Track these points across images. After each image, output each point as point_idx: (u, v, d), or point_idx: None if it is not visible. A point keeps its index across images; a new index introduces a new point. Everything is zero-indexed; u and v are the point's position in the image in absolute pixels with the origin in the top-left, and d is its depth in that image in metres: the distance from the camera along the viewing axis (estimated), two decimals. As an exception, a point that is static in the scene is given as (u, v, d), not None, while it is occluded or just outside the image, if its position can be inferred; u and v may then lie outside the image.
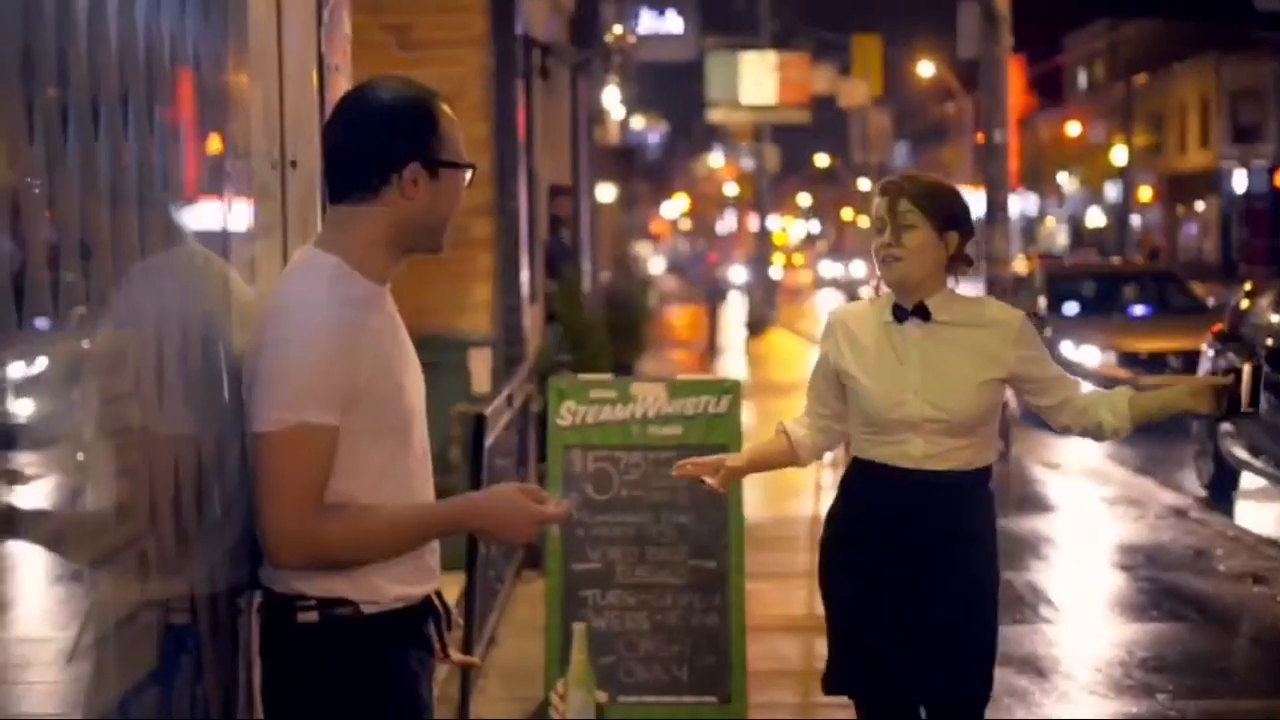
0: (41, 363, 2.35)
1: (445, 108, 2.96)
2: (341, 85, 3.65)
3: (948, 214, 4.09)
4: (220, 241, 3.08)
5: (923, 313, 4.10)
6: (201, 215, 2.99)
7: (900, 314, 4.12)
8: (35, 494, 2.36)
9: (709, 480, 4.28)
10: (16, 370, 2.30)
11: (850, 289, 26.71)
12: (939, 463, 4.06)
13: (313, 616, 2.86)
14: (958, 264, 4.14)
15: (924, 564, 4.08)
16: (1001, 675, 6.94)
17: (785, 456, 4.42)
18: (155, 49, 2.62)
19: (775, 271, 46.17)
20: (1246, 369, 3.85)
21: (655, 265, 64.35)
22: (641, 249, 52.30)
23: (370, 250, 2.90)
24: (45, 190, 2.19)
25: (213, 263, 2.91)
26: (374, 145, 2.88)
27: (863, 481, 4.18)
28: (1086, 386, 4.29)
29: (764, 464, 4.54)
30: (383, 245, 2.91)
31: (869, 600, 4.13)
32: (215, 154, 3.03)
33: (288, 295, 2.86)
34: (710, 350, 27.26)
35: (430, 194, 2.91)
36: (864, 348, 4.17)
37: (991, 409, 4.11)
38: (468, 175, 2.99)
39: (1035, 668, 7.13)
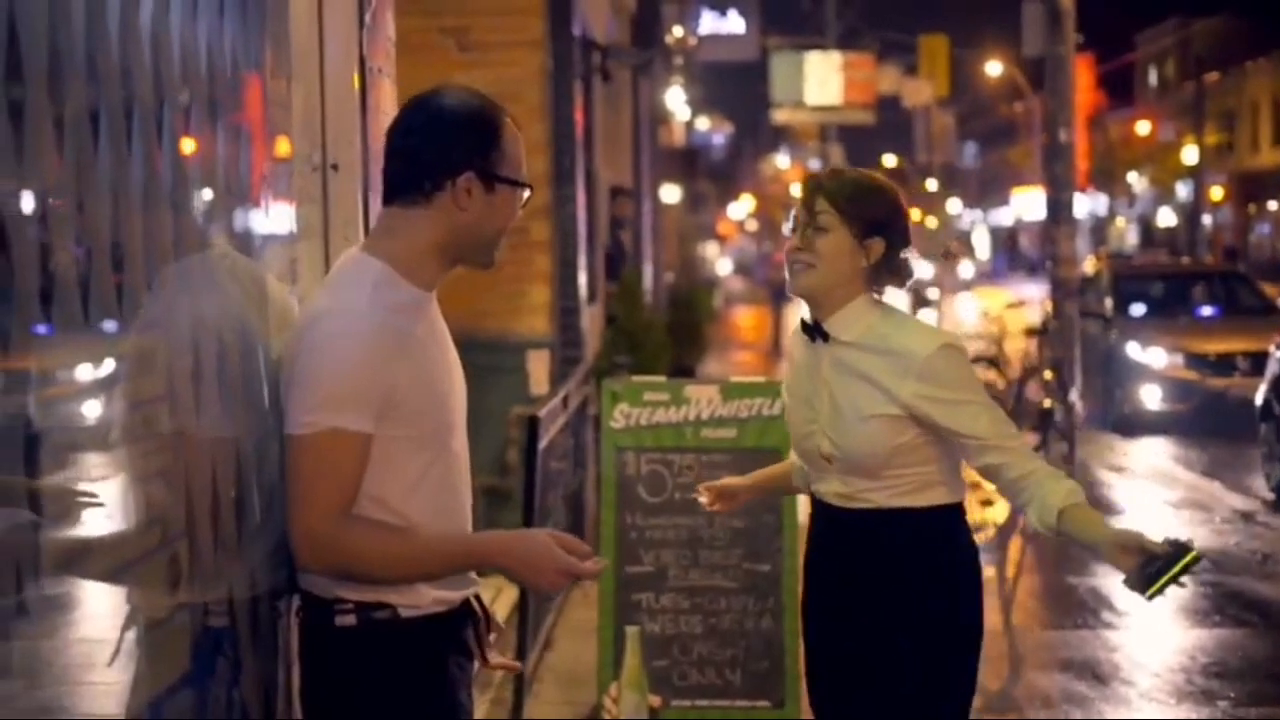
0: (109, 365, 2.37)
1: (511, 124, 2.93)
2: (385, 88, 3.65)
3: (870, 218, 3.53)
4: (263, 243, 3.10)
5: (821, 332, 3.57)
6: (246, 218, 3.01)
7: (807, 330, 3.62)
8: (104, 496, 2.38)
9: (703, 500, 3.97)
10: (85, 372, 2.33)
11: (918, 290, 26.52)
12: (855, 502, 3.56)
13: (351, 620, 2.86)
14: (881, 276, 3.56)
15: (843, 606, 3.60)
16: (1061, 680, 6.92)
17: (787, 479, 4.01)
18: (190, 53, 2.63)
19: None
20: (1187, 556, 3.21)
21: (722, 266, 64.30)
22: (709, 250, 52.24)
23: (419, 257, 2.87)
24: (74, 196, 2.20)
25: (241, 265, 2.90)
26: (431, 150, 2.86)
27: (811, 511, 3.76)
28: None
29: (770, 486, 4.11)
30: (431, 253, 2.89)
31: (807, 636, 3.75)
32: (257, 157, 3.04)
33: (330, 299, 2.85)
34: (775, 352, 27.18)
35: (484, 206, 2.88)
36: (795, 364, 3.70)
37: (898, 450, 3.49)
38: (525, 195, 2.95)
39: (1095, 673, 7.05)
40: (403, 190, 2.88)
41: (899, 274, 3.59)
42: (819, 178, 3.60)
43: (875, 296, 3.59)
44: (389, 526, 2.82)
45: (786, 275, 3.63)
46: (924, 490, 3.54)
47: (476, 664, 3.06)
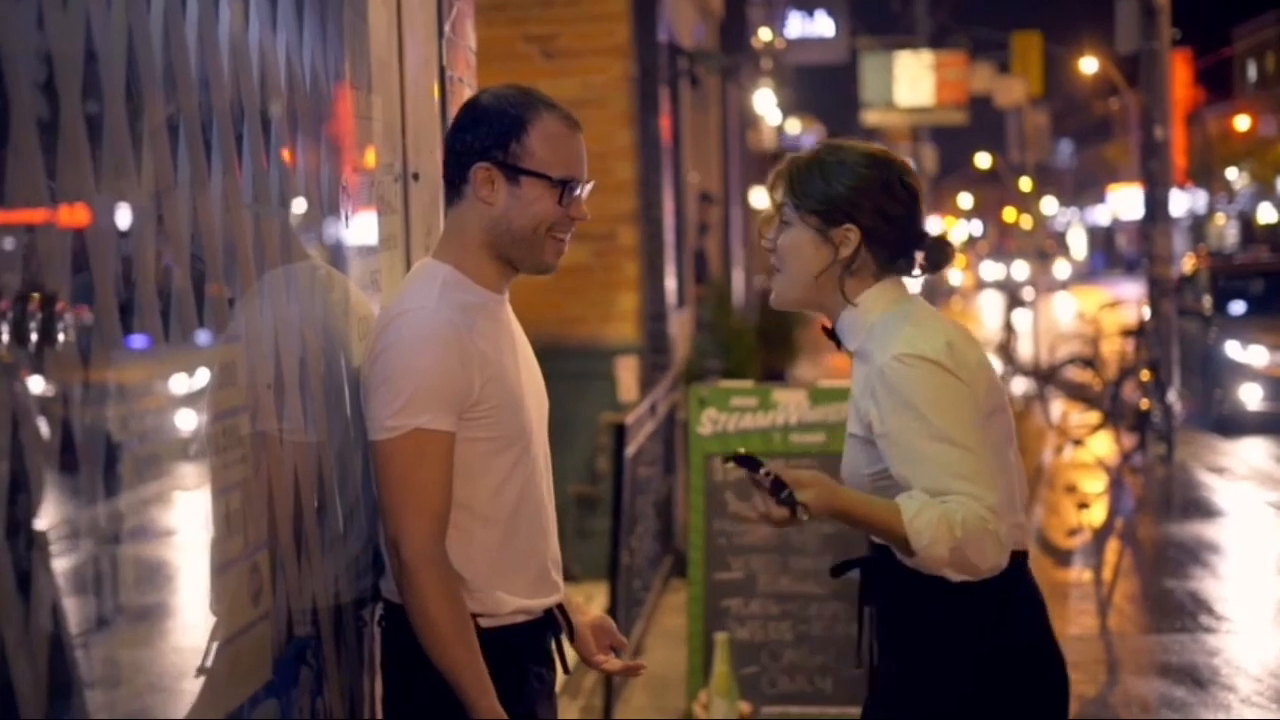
0: (204, 376, 2.39)
1: (553, 120, 2.86)
2: (465, 97, 3.65)
3: (830, 202, 2.90)
4: (349, 254, 3.11)
5: (835, 339, 3.03)
6: (333, 228, 3.02)
7: (829, 337, 3.08)
8: (185, 507, 2.40)
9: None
10: (180, 384, 2.35)
11: (1013, 290, 26.30)
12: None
13: (432, 629, 2.85)
14: (866, 268, 2.94)
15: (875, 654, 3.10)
16: (1159, 685, 6.81)
17: None
18: (270, 65, 2.64)
19: (956, 276, 45.46)
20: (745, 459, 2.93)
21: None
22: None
23: (473, 256, 2.89)
24: (155, 210, 2.21)
25: (334, 276, 2.94)
26: (454, 143, 2.90)
27: None
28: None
29: None
30: (480, 250, 2.89)
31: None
32: (344, 168, 3.05)
33: (401, 303, 2.88)
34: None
35: (509, 199, 2.85)
36: None
37: (877, 480, 2.89)
38: (561, 192, 2.85)
39: (1193, 677, 6.94)
40: (446, 187, 2.94)
41: (898, 263, 2.97)
42: (784, 164, 3.01)
43: (872, 294, 2.94)
44: (461, 604, 2.78)
45: None
46: None
47: (559, 674, 3.06)
